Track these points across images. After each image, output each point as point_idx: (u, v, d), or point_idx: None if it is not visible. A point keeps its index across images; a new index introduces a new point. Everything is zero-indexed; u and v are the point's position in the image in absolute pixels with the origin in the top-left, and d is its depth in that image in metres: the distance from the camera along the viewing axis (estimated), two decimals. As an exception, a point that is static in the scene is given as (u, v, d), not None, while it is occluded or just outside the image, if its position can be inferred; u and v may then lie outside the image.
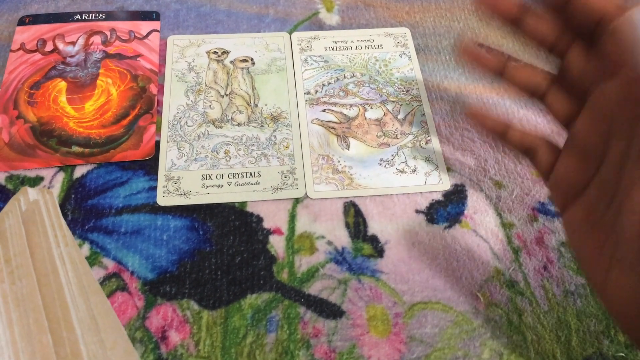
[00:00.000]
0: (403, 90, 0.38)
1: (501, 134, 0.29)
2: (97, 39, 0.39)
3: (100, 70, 0.38)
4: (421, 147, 0.36)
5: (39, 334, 0.25)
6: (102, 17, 0.41)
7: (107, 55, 0.39)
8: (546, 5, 0.25)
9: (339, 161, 0.35)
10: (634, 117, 0.21)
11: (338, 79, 0.39)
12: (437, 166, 0.35)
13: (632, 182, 0.21)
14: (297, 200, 0.33)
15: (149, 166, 0.34)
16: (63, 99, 0.36)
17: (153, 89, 0.37)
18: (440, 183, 0.34)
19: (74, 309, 0.26)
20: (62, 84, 0.37)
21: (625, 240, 0.21)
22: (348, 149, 0.35)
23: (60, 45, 0.39)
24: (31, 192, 0.31)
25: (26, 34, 0.39)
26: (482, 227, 0.33)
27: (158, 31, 0.40)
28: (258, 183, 0.34)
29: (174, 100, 0.37)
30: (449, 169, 0.35)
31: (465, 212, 0.34)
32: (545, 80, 0.27)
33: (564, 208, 0.26)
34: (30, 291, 0.27)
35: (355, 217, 0.33)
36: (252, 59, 0.39)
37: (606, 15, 0.22)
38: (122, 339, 0.27)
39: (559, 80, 0.26)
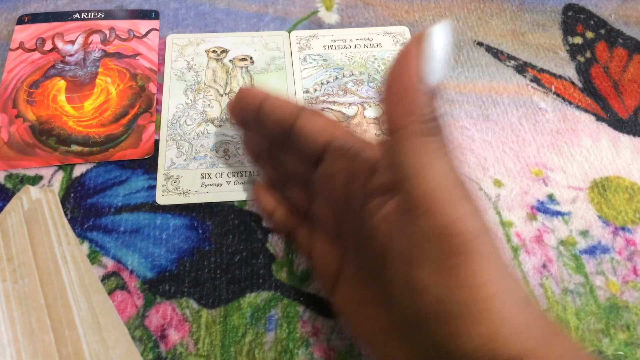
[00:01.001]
0: (402, 89, 0.38)
1: (269, 214, 0.30)
2: (96, 38, 0.39)
3: (100, 69, 0.38)
4: (420, 146, 0.36)
5: (41, 332, 0.25)
6: (101, 16, 0.41)
7: (106, 54, 0.39)
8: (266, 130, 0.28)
9: (338, 160, 0.35)
10: (350, 198, 0.24)
11: (337, 78, 0.39)
12: (436, 165, 0.35)
13: (377, 255, 0.22)
14: (296, 199, 0.33)
15: (148, 165, 0.34)
16: (62, 97, 0.36)
17: (152, 87, 0.37)
18: (439, 182, 0.34)
19: (76, 308, 0.26)
20: (61, 83, 0.37)
21: (396, 308, 0.21)
22: (347, 148, 0.35)
23: (60, 44, 0.39)
24: (33, 191, 0.31)
25: (25, 33, 0.39)
26: (481, 226, 0.33)
27: (157, 30, 0.40)
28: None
29: (173, 99, 0.37)
30: (448, 168, 0.35)
31: (465, 210, 0.33)
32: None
33: (331, 292, 0.27)
34: (32, 290, 0.27)
35: (354, 216, 0.33)
36: (251, 58, 0.39)
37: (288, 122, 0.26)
38: (124, 338, 0.27)
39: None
